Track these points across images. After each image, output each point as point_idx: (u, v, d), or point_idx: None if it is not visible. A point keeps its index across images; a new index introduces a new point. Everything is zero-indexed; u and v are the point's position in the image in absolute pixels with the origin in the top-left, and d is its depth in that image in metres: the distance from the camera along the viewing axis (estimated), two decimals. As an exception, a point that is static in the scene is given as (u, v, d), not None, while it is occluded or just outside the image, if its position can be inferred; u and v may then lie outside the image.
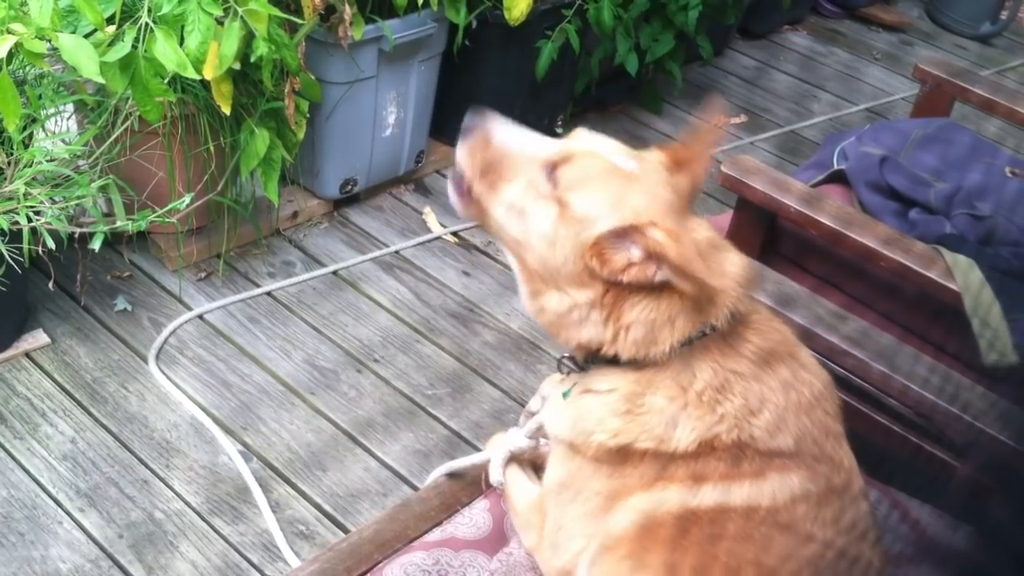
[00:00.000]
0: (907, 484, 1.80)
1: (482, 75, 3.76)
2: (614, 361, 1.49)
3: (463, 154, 1.55)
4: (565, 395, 1.56)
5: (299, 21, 2.99)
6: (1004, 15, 5.63)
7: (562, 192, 1.45)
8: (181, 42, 2.60)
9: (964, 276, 2.09)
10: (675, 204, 1.48)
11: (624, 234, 1.41)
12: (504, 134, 1.54)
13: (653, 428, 1.45)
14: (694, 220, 1.51)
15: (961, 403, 1.71)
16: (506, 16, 3.46)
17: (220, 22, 2.64)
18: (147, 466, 2.70)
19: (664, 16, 4.01)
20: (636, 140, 4.29)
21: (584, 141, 1.53)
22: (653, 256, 1.39)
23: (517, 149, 1.52)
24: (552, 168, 1.47)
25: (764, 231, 2.40)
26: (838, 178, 2.57)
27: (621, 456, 1.49)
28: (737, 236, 2.38)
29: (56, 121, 2.83)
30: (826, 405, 1.51)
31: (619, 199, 1.44)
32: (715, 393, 1.44)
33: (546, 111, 4.02)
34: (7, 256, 2.52)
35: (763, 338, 1.50)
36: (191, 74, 2.59)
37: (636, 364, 1.47)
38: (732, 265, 1.49)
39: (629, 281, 1.41)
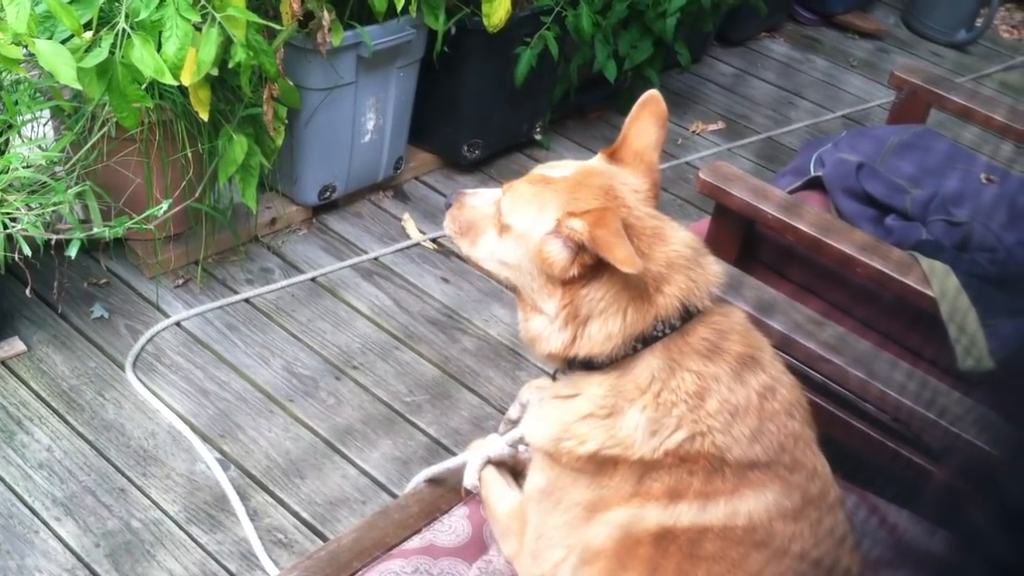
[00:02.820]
0: (885, 489, 1.81)
1: (461, 82, 3.76)
2: (586, 367, 1.51)
3: (447, 222, 1.68)
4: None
5: (278, 27, 2.98)
6: (979, 22, 5.68)
7: (504, 219, 1.56)
8: (159, 48, 2.59)
9: (940, 282, 2.10)
10: (608, 188, 1.54)
11: (556, 232, 1.47)
12: (474, 195, 1.67)
13: (616, 432, 1.47)
14: (647, 210, 1.55)
15: (938, 408, 1.72)
16: (485, 23, 3.46)
17: (198, 28, 2.64)
18: (124, 474, 2.68)
19: (642, 23, 4.03)
20: (615, 147, 4.29)
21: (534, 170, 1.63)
22: (576, 243, 1.44)
23: (483, 202, 1.63)
24: (497, 205, 1.58)
25: (742, 237, 2.41)
26: (815, 184, 2.58)
27: (596, 464, 1.50)
28: (715, 242, 2.38)
29: (33, 127, 2.81)
30: (792, 409, 1.51)
31: (543, 204, 1.51)
32: (671, 394, 1.46)
33: (525, 117, 4.02)
34: (-18, 263, 2.50)
35: (722, 337, 1.50)
36: (169, 80, 2.58)
37: (598, 366, 1.50)
38: (681, 258, 1.51)
39: (579, 273, 1.46)
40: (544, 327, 1.52)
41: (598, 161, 1.65)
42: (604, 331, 1.47)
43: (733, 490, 1.44)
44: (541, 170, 1.61)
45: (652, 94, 1.67)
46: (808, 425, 1.54)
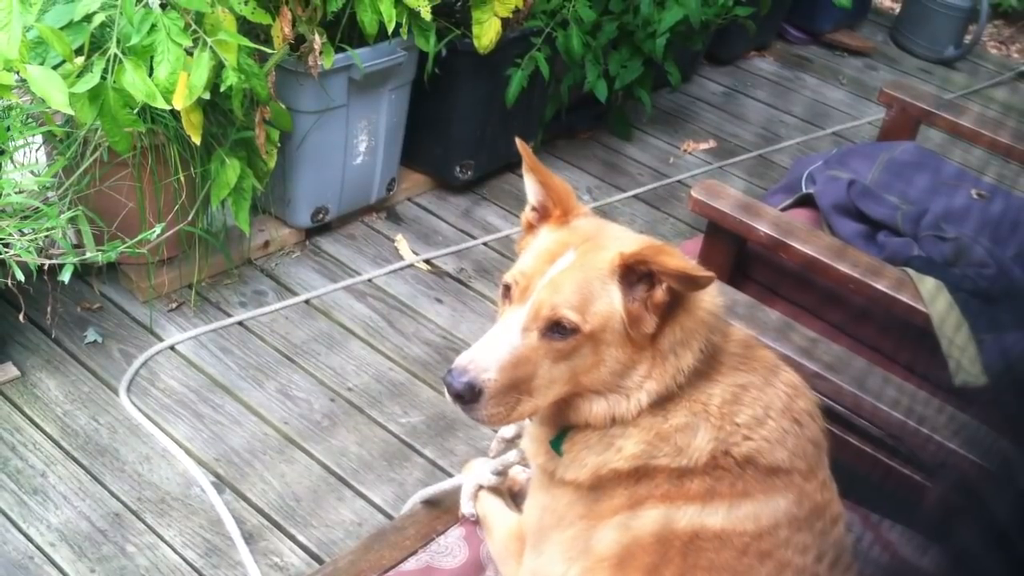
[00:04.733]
0: (880, 506, 1.81)
1: (453, 103, 3.77)
2: None
3: (493, 412, 1.45)
4: (555, 445, 1.55)
5: (269, 51, 3.00)
6: (967, 39, 5.71)
7: (585, 328, 1.43)
8: (150, 72, 2.60)
9: (932, 298, 2.11)
10: (610, 230, 1.55)
11: (625, 285, 1.45)
12: (491, 359, 1.45)
13: (675, 441, 1.47)
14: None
15: (930, 425, 1.72)
16: (475, 44, 3.48)
17: (189, 52, 2.64)
18: (119, 499, 2.68)
19: (632, 43, 4.05)
20: (606, 166, 4.32)
21: (528, 287, 1.49)
22: (637, 269, 1.43)
23: (512, 354, 1.45)
24: (552, 328, 1.45)
25: (734, 256, 2.42)
26: (806, 202, 2.59)
27: (610, 480, 1.50)
28: (708, 261, 2.39)
29: (25, 152, 2.81)
30: (808, 407, 1.54)
31: (601, 277, 1.46)
32: (713, 404, 1.48)
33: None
34: (-25, 289, 2.50)
35: (746, 348, 1.55)
36: (161, 104, 2.59)
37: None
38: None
39: (657, 315, 1.44)
40: (614, 401, 1.48)
41: (556, 230, 1.56)
42: (675, 367, 1.47)
43: (744, 493, 1.46)
44: (541, 277, 1.48)
45: (523, 147, 1.62)
46: (823, 433, 1.55)
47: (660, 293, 1.44)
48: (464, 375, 1.43)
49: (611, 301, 1.45)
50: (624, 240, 1.52)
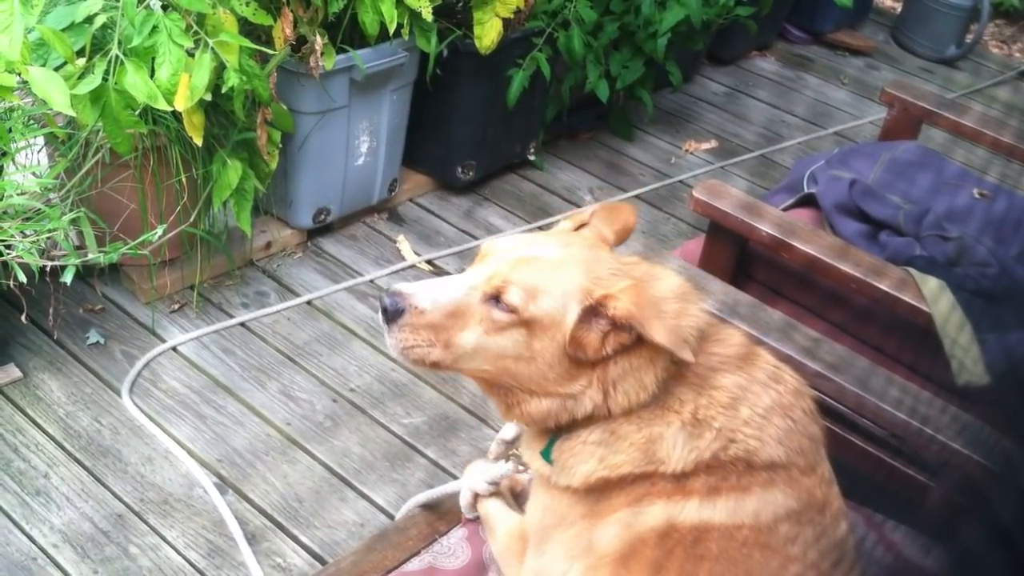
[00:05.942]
0: (882, 506, 1.81)
1: (455, 104, 3.77)
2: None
3: (405, 337, 1.48)
4: (545, 455, 1.55)
5: (270, 52, 3.00)
6: (969, 38, 5.71)
7: (523, 314, 1.45)
8: (152, 74, 2.60)
9: (935, 298, 2.11)
10: (603, 254, 1.53)
11: (589, 315, 1.44)
12: (429, 295, 1.49)
13: (653, 454, 1.46)
14: (628, 257, 1.55)
15: (934, 425, 1.72)
16: (477, 45, 3.48)
17: (191, 53, 2.65)
18: (121, 500, 2.68)
19: (633, 43, 4.05)
20: (608, 166, 4.32)
21: (501, 256, 1.51)
22: (619, 323, 1.42)
23: (451, 300, 1.48)
24: (496, 298, 1.46)
25: (736, 256, 2.42)
26: (808, 202, 2.59)
27: (603, 486, 1.50)
28: (710, 261, 2.39)
29: (27, 154, 2.81)
30: (804, 403, 1.53)
31: (568, 288, 1.46)
32: (705, 411, 1.47)
33: (518, 139, 4.04)
34: (-22, 291, 2.50)
35: (727, 347, 1.53)
36: (162, 105, 2.59)
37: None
38: (682, 290, 1.51)
39: (612, 351, 1.44)
40: (562, 404, 1.49)
41: (567, 229, 1.60)
42: (638, 385, 1.46)
43: (744, 488, 1.45)
44: (518, 253, 1.51)
45: (625, 211, 1.64)
46: (815, 420, 1.55)
47: (627, 338, 1.43)
48: (400, 299, 1.48)
49: (564, 314, 1.44)
50: (609, 272, 1.49)
